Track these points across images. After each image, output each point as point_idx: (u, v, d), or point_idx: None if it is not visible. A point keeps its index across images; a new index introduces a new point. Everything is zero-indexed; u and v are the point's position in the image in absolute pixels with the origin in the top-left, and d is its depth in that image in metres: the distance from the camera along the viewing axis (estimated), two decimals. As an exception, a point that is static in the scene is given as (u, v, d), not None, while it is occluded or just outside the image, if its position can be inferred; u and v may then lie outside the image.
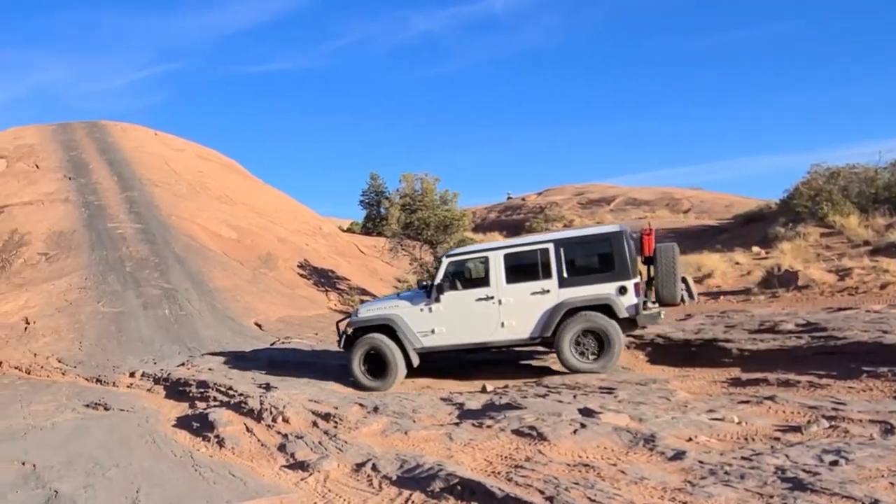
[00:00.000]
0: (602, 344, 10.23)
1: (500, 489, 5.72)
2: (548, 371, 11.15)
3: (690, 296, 10.77)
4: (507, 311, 10.59)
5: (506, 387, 10.20)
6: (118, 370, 14.01)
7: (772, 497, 5.03)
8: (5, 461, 8.10)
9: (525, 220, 49.82)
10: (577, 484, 5.73)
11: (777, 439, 6.53)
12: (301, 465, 7.17)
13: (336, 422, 8.48)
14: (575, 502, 5.34)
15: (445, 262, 11.15)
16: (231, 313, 18.56)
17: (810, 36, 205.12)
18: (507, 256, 10.76)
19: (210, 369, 12.88)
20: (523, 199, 59.69)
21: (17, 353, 16.49)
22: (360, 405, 9.09)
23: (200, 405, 10.44)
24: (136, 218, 27.28)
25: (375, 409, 8.85)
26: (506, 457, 6.80)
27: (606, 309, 10.16)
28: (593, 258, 10.55)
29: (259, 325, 18.70)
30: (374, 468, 6.75)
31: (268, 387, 10.62)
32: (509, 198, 62.84)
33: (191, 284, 20.44)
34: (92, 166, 33.91)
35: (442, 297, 10.89)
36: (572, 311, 10.29)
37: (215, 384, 11.19)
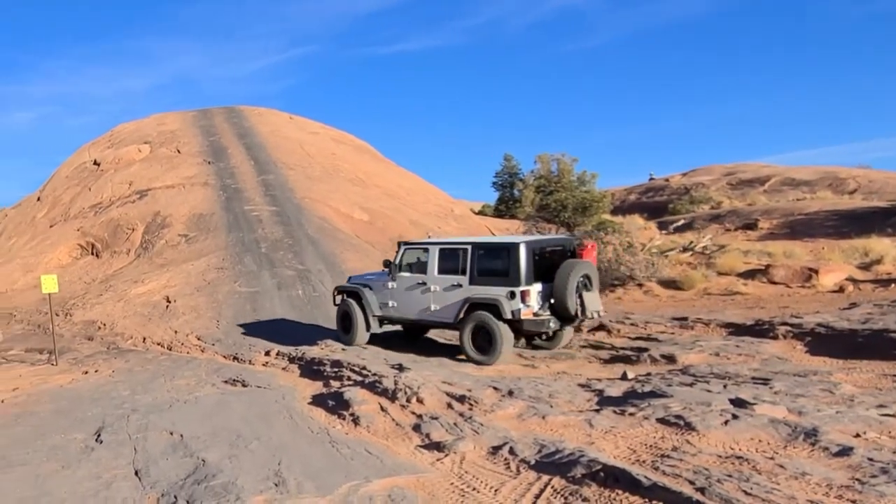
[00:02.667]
0: (491, 340, 11.78)
1: (646, 478, 5.61)
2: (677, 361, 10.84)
3: (583, 311, 11.74)
4: (435, 297, 12.65)
5: (648, 374, 10.00)
6: (254, 348, 14.77)
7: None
8: (156, 431, 8.72)
9: (668, 201, 48.33)
10: (729, 476, 5.54)
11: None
12: (437, 446, 7.30)
13: (471, 404, 8.57)
14: (728, 495, 5.17)
15: (402, 249, 13.49)
16: (363, 295, 19.09)
17: None
18: (441, 251, 12.73)
19: (343, 349, 13.33)
20: (667, 180, 57.88)
21: (160, 330, 17.71)
22: (495, 388, 9.14)
23: (335, 384, 10.83)
24: (271, 200, 28.60)
25: (510, 393, 8.88)
26: (650, 445, 6.67)
27: (495, 309, 11.72)
28: (497, 263, 12.04)
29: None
30: (511, 451, 6.78)
31: (401, 367, 10.88)
32: (652, 178, 61.10)
33: (324, 266, 21.23)
34: (230, 150, 35.80)
35: (396, 277, 13.25)
36: (473, 306, 12.04)
37: (349, 364, 11.58)
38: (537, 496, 5.80)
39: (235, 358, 14.40)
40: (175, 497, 6.29)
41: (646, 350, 11.67)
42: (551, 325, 11.80)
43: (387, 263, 13.66)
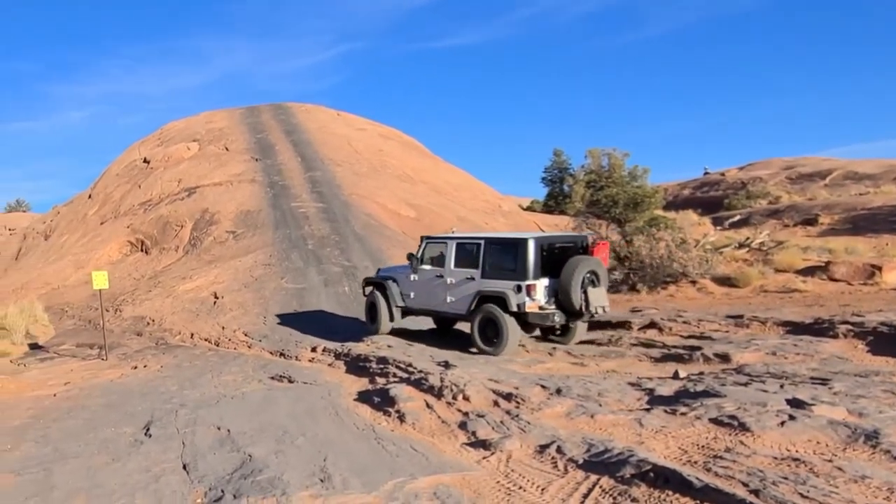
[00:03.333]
0: (499, 332, 12.29)
1: (698, 479, 5.54)
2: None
3: (587, 307, 12.16)
4: (451, 290, 13.29)
5: (701, 373, 9.85)
6: (300, 345, 14.94)
7: None
8: (203, 426, 8.90)
9: (724, 196, 47.55)
10: (785, 478, 5.43)
11: None
12: (483, 444, 7.30)
13: (518, 402, 8.55)
14: (784, 498, 5.07)
15: (424, 243, 14.20)
16: (409, 292, 19.19)
17: None
18: (457, 246, 13.37)
19: (389, 346, 13.41)
20: (722, 175, 56.91)
21: (207, 325, 18.04)
22: (542, 386, 9.10)
23: (380, 381, 10.91)
24: (318, 197, 28.90)
25: (558, 391, 8.83)
26: (703, 446, 6.57)
27: (503, 302, 12.21)
28: (507, 258, 12.52)
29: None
30: (558, 450, 6.75)
31: (447, 365, 10.91)
32: (706, 173, 60.13)
33: (370, 262, 21.37)
34: (277, 147, 36.27)
35: (418, 269, 13.91)
36: (483, 298, 12.57)
37: (395, 361, 11.65)
38: (585, 496, 5.76)
39: (282, 354, 14.59)
40: (222, 491, 6.41)
41: (699, 348, 11.48)
42: (556, 318, 12.25)
43: (410, 256, 14.29)
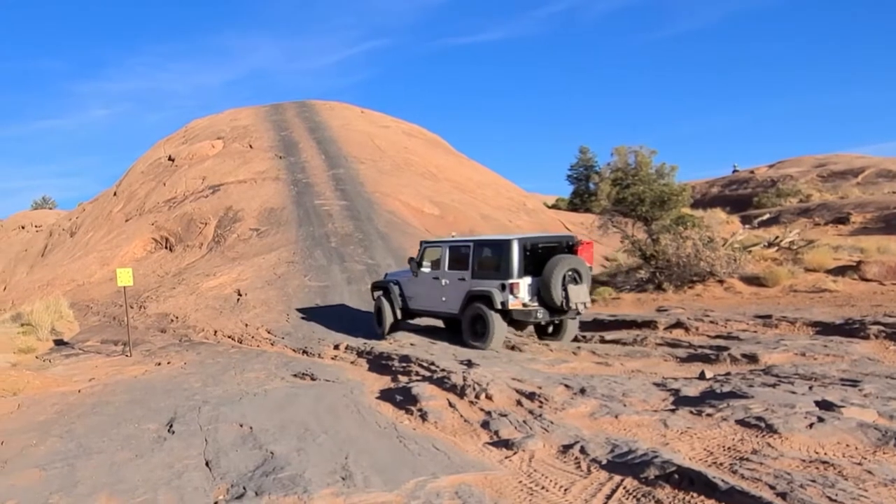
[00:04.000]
0: (486, 328, 13.10)
1: (723, 481, 5.49)
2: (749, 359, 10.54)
3: (567, 303, 12.80)
4: (446, 290, 14.12)
5: (728, 374, 9.77)
6: (323, 342, 15.02)
7: None
8: (226, 423, 8.97)
9: (752, 194, 47.07)
10: (813, 481, 5.37)
11: None
12: (505, 443, 7.30)
13: (541, 402, 8.53)
14: (812, 501, 5.01)
15: (423, 247, 15.15)
16: (433, 290, 19.23)
17: None
18: (451, 248, 14.26)
19: (412, 344, 13.45)
20: (752, 172, 56.33)
21: (230, 322, 18.18)
22: (566, 386, 9.08)
23: (403, 379, 10.94)
24: (341, 195, 29.02)
25: (582, 391, 8.80)
26: (729, 448, 6.51)
27: (489, 300, 13.02)
28: (493, 259, 13.41)
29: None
30: (582, 450, 6.73)
31: (469, 363, 10.91)
32: (735, 170, 59.57)
33: (393, 260, 21.43)
34: (301, 145, 36.45)
35: (418, 273, 14.74)
36: (472, 297, 13.40)
37: (417, 359, 11.68)
38: (608, 497, 5.74)
39: (305, 352, 14.68)
40: (244, 488, 6.46)
41: (725, 349, 11.39)
42: (539, 315, 13.00)
43: (410, 260, 15.19)
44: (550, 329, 14.06)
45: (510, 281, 12.81)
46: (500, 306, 12.87)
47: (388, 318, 15.21)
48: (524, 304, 12.90)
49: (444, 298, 14.18)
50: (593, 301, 20.42)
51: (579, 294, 12.90)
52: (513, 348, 13.18)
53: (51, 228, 51.64)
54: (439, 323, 15.48)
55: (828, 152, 57.00)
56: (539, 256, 13.17)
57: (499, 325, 12.99)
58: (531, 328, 14.49)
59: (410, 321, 15.60)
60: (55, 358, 15.93)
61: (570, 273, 12.83)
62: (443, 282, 14.21)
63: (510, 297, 12.79)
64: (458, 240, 14.67)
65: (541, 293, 12.92)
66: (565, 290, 12.75)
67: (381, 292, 15.67)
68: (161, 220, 30.76)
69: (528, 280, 12.96)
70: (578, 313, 13.38)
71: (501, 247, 13.17)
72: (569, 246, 13.64)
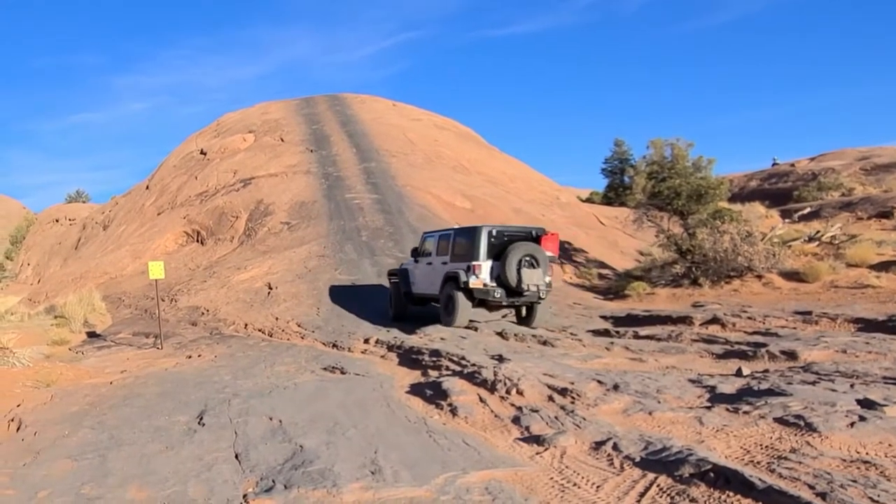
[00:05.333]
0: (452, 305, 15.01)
1: (760, 480, 5.40)
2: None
3: (519, 284, 14.40)
4: (435, 275, 15.79)
5: (766, 371, 9.63)
6: (353, 336, 15.08)
7: None
8: (256, 415, 9.03)
9: (793, 188, 46.26)
10: (854, 482, 5.27)
11: None
12: (536, 439, 7.25)
13: (573, 397, 8.48)
14: (853, 501, 4.91)
15: (423, 237, 17.19)
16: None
17: None
18: (440, 237, 16.26)
19: (442, 339, 13.44)
20: (792, 165, 55.38)
21: (261, 316, 18.32)
22: (599, 382, 9.01)
23: (433, 373, 10.94)
24: (372, 188, 29.08)
25: (616, 387, 8.73)
26: (766, 446, 6.42)
27: (457, 281, 14.82)
28: (466, 245, 15.10)
29: (491, 298, 19.23)
30: (615, 447, 6.67)
31: (500, 358, 10.88)
32: (775, 164, 58.58)
33: (424, 254, 21.39)
34: (332, 139, 36.59)
35: (417, 260, 16.73)
36: (447, 279, 15.26)
37: (448, 353, 11.67)
38: (642, 494, 5.68)
39: (335, 345, 14.74)
40: (273, 481, 6.49)
41: (763, 345, 11.24)
42: (497, 294, 14.64)
43: (414, 250, 17.27)
44: (524, 313, 15.61)
45: (473, 262, 14.63)
46: (463, 285, 14.65)
47: (396, 303, 17.11)
48: (484, 284, 14.59)
49: (433, 282, 15.81)
50: (627, 296, 20.33)
51: (533, 277, 14.45)
52: (545, 343, 13.12)
53: (84, 222, 52.52)
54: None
55: (872, 145, 55.91)
56: (505, 244, 14.76)
57: (463, 304, 14.75)
58: (512, 315, 16.20)
59: (418, 307, 17.09)
60: (88, 350, 16.18)
61: (526, 258, 14.49)
62: (434, 267, 15.99)
63: (472, 276, 14.57)
64: (445, 229, 16.69)
65: (500, 275, 14.52)
66: (519, 273, 14.35)
67: (395, 278, 17.32)
68: (193, 213, 31.08)
69: (490, 263, 14.69)
70: (541, 298, 14.85)
71: (472, 234, 15.00)
72: (535, 237, 15.08)
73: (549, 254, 14.95)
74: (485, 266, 14.59)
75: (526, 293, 14.54)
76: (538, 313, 15.27)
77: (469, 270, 14.61)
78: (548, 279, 14.90)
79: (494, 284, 14.60)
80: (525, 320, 15.48)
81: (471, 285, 14.57)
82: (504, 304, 15.06)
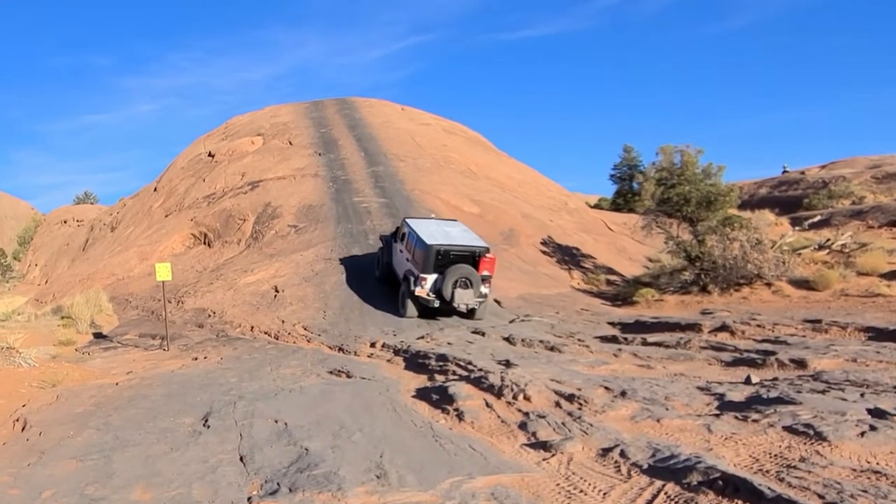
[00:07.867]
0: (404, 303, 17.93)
1: (769, 489, 5.37)
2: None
3: (451, 300, 17.15)
4: (401, 265, 18.71)
5: (775, 379, 9.58)
6: (359, 340, 15.07)
7: None
8: (262, 418, 9.03)
9: (803, 196, 46.08)
10: (864, 491, 5.23)
11: None
12: (543, 445, 7.23)
13: (580, 403, 8.45)
14: (863, 511, 4.88)
15: (403, 222, 19.38)
16: (471, 289, 19.18)
17: None
18: (409, 234, 18.40)
19: (449, 343, 13.43)
20: (802, 173, 55.17)
21: (267, 318, 18.33)
22: (606, 388, 8.98)
23: (439, 378, 10.92)
24: (380, 192, 29.08)
25: (623, 394, 8.70)
26: (775, 455, 6.38)
27: (408, 283, 17.74)
28: (421, 255, 17.43)
29: (498, 302, 19.23)
30: (622, 454, 6.64)
31: (508, 363, 10.85)
32: (785, 171, 58.40)
33: (431, 258, 21.36)
34: (341, 142, 36.62)
35: (395, 242, 19.44)
36: (404, 276, 18.22)
37: (454, 358, 11.65)
38: (649, 502, 5.65)
39: (341, 349, 14.74)
40: (278, 484, 6.48)
41: (773, 353, 11.19)
42: (435, 304, 17.35)
43: (396, 231, 19.81)
44: (466, 311, 17.72)
45: (421, 275, 17.31)
46: (412, 291, 17.42)
47: (382, 267, 20.08)
48: (427, 294, 17.34)
49: (400, 268, 18.67)
50: (635, 302, 20.28)
51: (464, 297, 17.25)
52: (552, 349, 13.09)
53: (92, 223, 52.72)
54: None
55: (883, 153, 55.63)
56: (450, 260, 17.41)
57: (410, 304, 17.69)
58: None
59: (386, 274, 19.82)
60: (94, 351, 16.20)
61: (462, 280, 17.21)
62: (403, 256, 18.66)
63: (418, 286, 17.34)
64: (414, 229, 18.32)
65: (440, 289, 17.16)
66: (454, 292, 17.11)
67: (382, 245, 20.43)
68: (200, 215, 31.13)
69: (434, 276, 17.31)
70: (472, 310, 17.48)
71: (426, 249, 17.28)
72: (474, 257, 17.59)
73: (485, 273, 17.55)
74: (430, 279, 17.32)
75: (458, 308, 17.29)
76: (476, 314, 17.67)
77: (416, 281, 17.36)
78: (483, 291, 17.57)
79: (434, 296, 17.36)
80: (467, 317, 17.72)
81: (416, 293, 17.36)
82: (442, 311, 17.61)
